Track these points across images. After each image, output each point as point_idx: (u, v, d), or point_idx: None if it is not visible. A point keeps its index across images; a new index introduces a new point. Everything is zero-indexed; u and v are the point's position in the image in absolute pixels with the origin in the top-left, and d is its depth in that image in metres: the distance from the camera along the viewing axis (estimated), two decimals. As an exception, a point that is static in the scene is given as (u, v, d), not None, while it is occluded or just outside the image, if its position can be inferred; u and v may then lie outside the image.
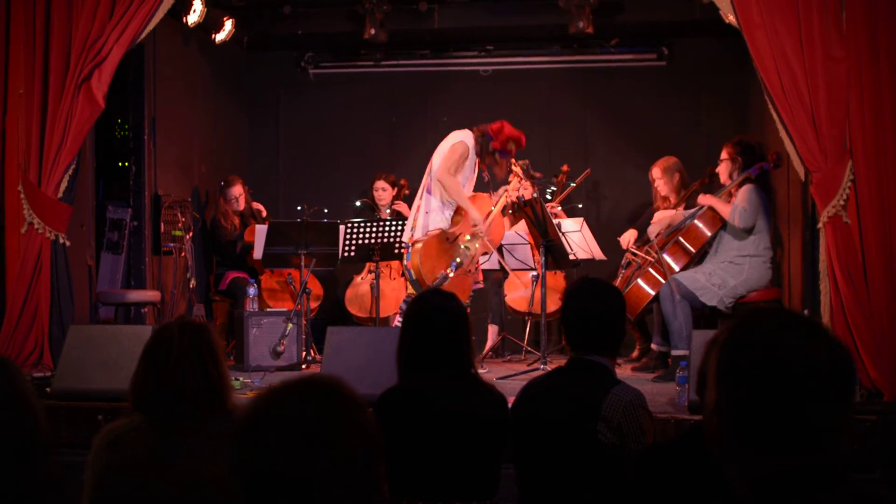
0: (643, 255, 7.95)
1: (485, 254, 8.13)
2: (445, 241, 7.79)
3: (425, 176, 7.97)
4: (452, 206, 7.84)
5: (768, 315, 1.95)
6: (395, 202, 9.46)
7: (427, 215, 7.84)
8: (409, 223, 7.99)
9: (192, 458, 2.99)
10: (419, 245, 7.72)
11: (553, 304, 8.23)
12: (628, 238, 8.41)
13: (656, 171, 8.35)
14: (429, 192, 7.87)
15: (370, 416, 1.91)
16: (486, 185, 8.17)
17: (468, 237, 7.85)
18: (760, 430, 1.84)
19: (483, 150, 7.85)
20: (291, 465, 1.79)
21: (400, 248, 8.00)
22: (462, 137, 7.82)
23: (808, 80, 6.35)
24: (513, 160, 8.12)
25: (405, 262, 7.84)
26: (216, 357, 3.16)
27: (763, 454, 1.84)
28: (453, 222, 7.88)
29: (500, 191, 8.18)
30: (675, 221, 7.89)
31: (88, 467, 3.03)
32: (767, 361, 1.84)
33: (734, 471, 1.90)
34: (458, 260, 7.74)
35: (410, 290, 7.90)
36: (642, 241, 8.25)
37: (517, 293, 8.97)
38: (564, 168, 9.18)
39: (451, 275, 7.65)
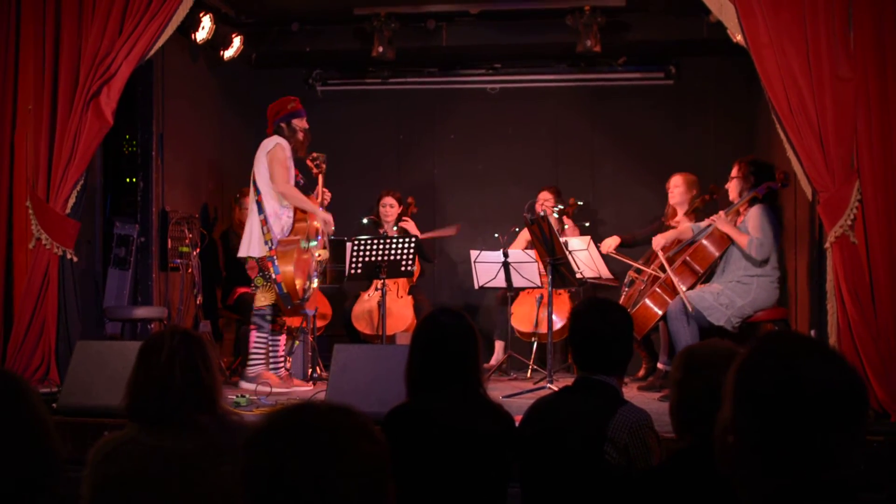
0: (651, 272, 7.95)
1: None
2: (304, 252, 7.72)
3: (252, 192, 7.78)
4: (289, 209, 7.74)
5: (784, 339, 1.98)
6: (403, 219, 9.45)
7: (267, 224, 7.64)
8: (254, 238, 7.69)
9: (187, 467, 3.00)
10: (288, 257, 7.57)
11: (557, 322, 8.23)
12: (610, 244, 8.40)
13: (678, 179, 8.35)
14: (259, 204, 7.68)
15: (380, 434, 1.92)
16: (302, 187, 8.02)
17: (312, 244, 7.81)
18: (775, 449, 1.87)
19: (289, 133, 7.80)
20: (302, 477, 1.80)
21: (408, 265, 8.00)
22: (274, 141, 7.73)
23: (816, 99, 6.35)
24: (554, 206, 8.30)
25: (274, 275, 7.57)
26: (207, 359, 3.23)
27: (777, 472, 1.86)
28: (295, 230, 7.75)
29: (317, 190, 8.11)
30: (684, 237, 7.89)
31: (84, 482, 3.04)
32: (784, 385, 1.87)
33: (745, 488, 1.92)
34: (317, 269, 7.82)
35: (267, 301, 7.73)
36: (635, 249, 8.29)
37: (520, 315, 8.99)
38: (571, 201, 9.18)
39: (316, 285, 7.84)
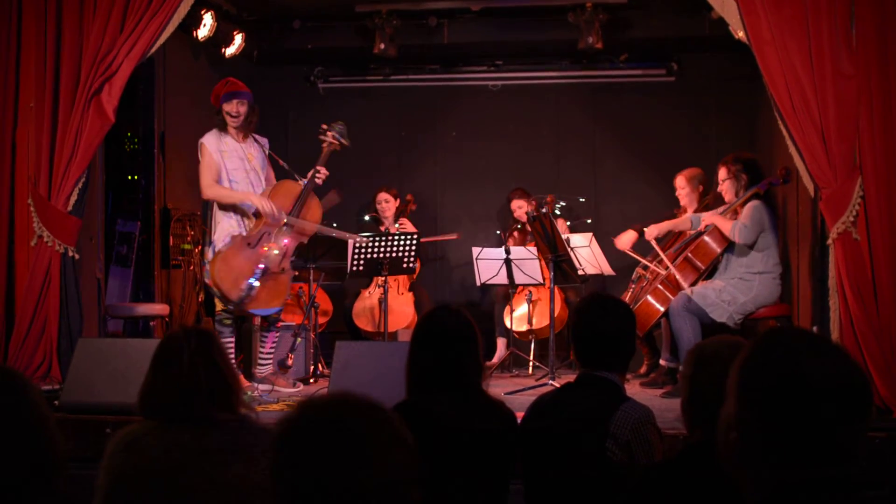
0: (654, 268, 7.94)
1: (301, 244, 7.65)
2: (246, 248, 7.32)
3: None
4: (240, 209, 7.44)
5: (787, 335, 1.98)
6: (400, 221, 9.43)
7: (218, 226, 7.47)
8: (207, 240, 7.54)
9: (207, 461, 3.00)
10: (214, 260, 7.28)
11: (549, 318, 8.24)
12: (626, 240, 8.30)
13: (681, 180, 8.31)
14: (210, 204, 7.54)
15: (411, 439, 1.93)
16: (287, 172, 7.70)
17: (272, 238, 7.37)
18: (779, 445, 1.86)
19: (220, 123, 7.48)
20: (334, 471, 1.80)
21: (410, 262, 7.97)
22: (201, 140, 7.48)
23: (818, 96, 6.34)
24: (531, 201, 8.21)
25: (206, 280, 7.33)
26: (225, 358, 3.21)
27: (781, 468, 1.86)
28: (256, 225, 7.40)
29: (312, 174, 7.62)
30: (678, 227, 7.88)
31: (102, 470, 3.04)
32: (787, 380, 1.87)
33: (749, 484, 1.92)
34: (263, 266, 7.26)
35: (221, 305, 7.44)
36: (646, 244, 8.25)
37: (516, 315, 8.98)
38: (549, 198, 9.14)
39: (257, 284, 7.23)
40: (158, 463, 3.01)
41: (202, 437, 3.06)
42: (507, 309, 8.93)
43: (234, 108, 7.47)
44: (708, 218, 7.56)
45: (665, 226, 7.93)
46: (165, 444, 3.05)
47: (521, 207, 9.28)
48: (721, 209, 7.63)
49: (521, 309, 8.97)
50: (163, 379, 3.15)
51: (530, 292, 8.87)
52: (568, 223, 9.28)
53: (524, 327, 8.91)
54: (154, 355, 3.21)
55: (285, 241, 7.42)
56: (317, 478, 1.82)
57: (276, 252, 7.36)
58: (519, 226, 9.43)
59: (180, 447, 3.04)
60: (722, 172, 7.59)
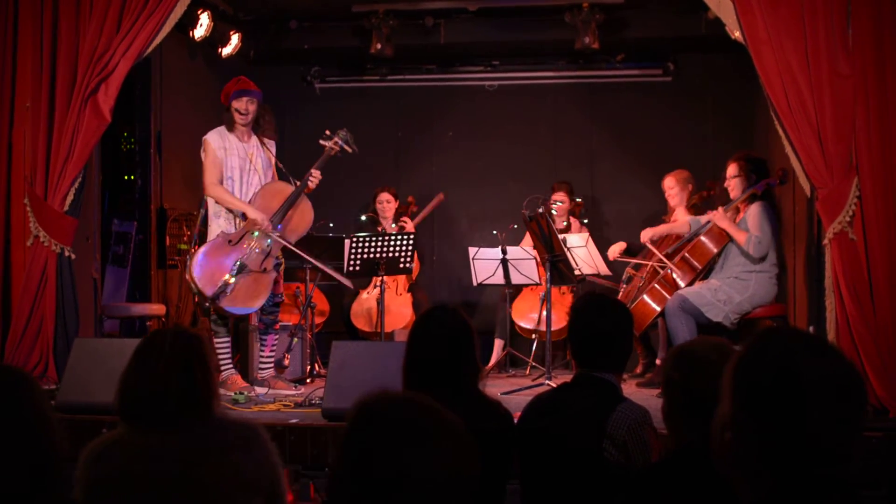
0: (649, 267, 7.93)
1: (285, 246, 7.48)
2: (227, 245, 7.26)
3: None
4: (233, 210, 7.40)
5: (783, 335, 1.98)
6: (402, 220, 9.41)
7: (210, 226, 7.46)
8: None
9: (175, 465, 2.99)
10: (195, 251, 7.25)
11: (560, 322, 8.22)
12: (615, 249, 8.37)
13: (670, 181, 8.35)
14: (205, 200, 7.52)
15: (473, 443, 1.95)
16: (283, 175, 7.64)
17: (255, 235, 7.26)
18: (773, 445, 1.86)
19: (228, 119, 7.42)
20: (397, 464, 1.85)
21: (406, 262, 7.96)
22: (204, 136, 7.45)
23: (814, 96, 6.35)
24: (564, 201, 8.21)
25: (185, 274, 7.28)
26: (205, 365, 3.17)
27: (775, 467, 1.86)
28: (244, 226, 7.34)
29: (305, 177, 7.55)
30: (675, 230, 7.88)
31: (76, 484, 3.03)
32: (783, 380, 1.87)
33: (743, 485, 1.92)
34: (239, 263, 7.18)
35: None
36: (638, 250, 8.26)
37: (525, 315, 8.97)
38: (577, 201, 9.13)
39: (233, 281, 7.13)
40: (131, 471, 3.00)
41: (173, 441, 3.04)
42: (512, 307, 8.91)
43: (244, 106, 7.40)
44: (721, 222, 7.49)
45: (662, 229, 7.93)
46: (136, 452, 3.03)
47: (562, 202, 9.20)
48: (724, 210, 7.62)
49: (533, 307, 8.93)
50: (137, 373, 3.13)
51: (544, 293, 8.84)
52: (564, 223, 9.26)
53: (530, 325, 8.89)
54: (136, 349, 3.19)
55: (268, 241, 7.34)
56: (388, 476, 1.84)
57: (258, 251, 7.30)
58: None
59: (152, 453, 3.02)
60: (732, 169, 7.56)
